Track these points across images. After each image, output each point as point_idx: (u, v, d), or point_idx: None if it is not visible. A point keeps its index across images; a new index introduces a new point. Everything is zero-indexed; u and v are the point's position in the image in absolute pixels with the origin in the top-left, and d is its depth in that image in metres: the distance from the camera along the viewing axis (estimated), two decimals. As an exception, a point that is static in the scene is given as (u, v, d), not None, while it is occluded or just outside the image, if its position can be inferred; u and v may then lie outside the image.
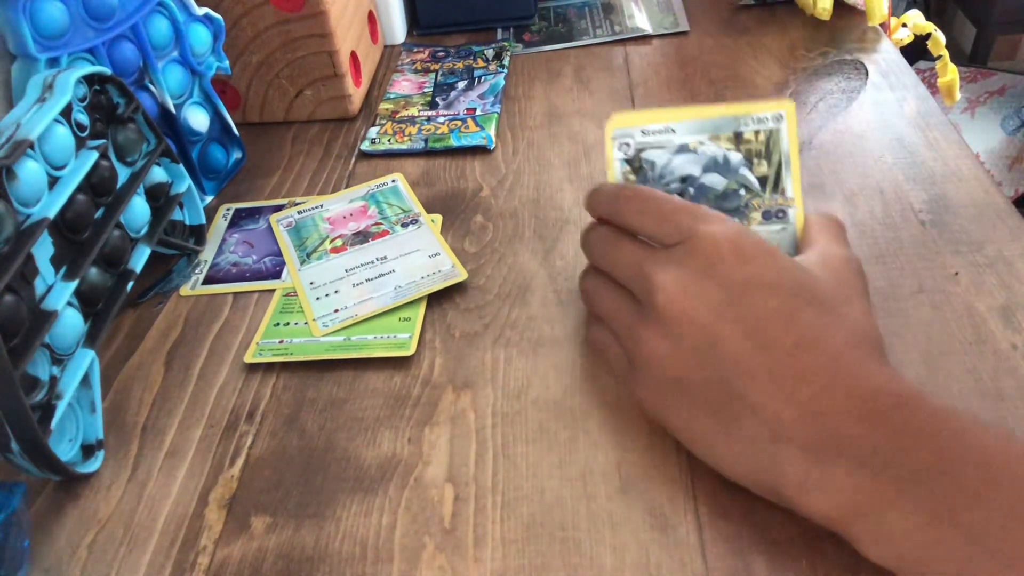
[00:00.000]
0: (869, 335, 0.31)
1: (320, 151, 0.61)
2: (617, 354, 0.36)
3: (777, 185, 0.37)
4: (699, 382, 0.32)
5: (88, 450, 0.39)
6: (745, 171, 0.38)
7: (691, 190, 0.37)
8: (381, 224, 0.51)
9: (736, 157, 0.37)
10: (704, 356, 0.31)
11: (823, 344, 0.30)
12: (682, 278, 0.32)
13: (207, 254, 0.51)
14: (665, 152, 0.38)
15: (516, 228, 0.50)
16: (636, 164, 0.38)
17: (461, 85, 0.66)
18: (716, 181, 0.37)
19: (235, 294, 0.48)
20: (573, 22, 0.75)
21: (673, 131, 0.37)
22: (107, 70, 0.44)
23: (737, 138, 0.37)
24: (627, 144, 0.38)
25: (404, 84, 0.67)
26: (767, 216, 0.37)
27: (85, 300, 0.41)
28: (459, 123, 0.60)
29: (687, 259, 0.32)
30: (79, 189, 0.41)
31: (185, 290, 0.49)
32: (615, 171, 0.38)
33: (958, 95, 0.69)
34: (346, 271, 0.48)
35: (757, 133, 0.37)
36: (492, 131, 0.59)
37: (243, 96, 0.63)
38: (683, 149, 0.37)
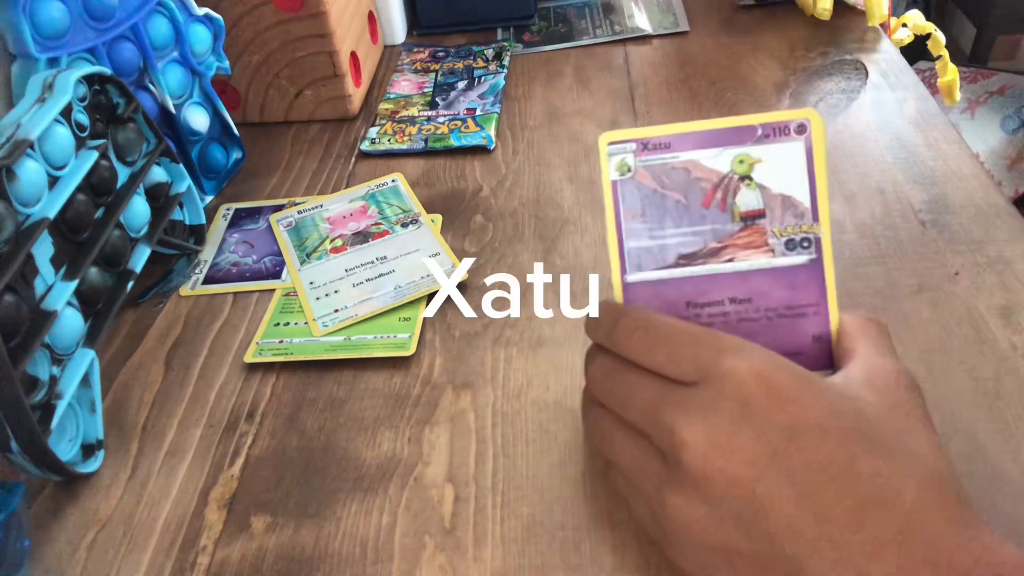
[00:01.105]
0: (943, 477, 0.26)
1: (320, 151, 0.61)
2: (643, 514, 0.31)
3: None
4: (748, 553, 0.27)
5: (88, 450, 0.39)
6: None
7: None
8: (381, 224, 0.51)
9: None
10: (750, 524, 0.26)
11: (891, 500, 0.25)
12: (712, 430, 0.27)
13: (207, 254, 0.51)
14: None
15: (516, 228, 0.50)
16: None
17: (461, 85, 0.66)
18: None
19: (235, 294, 0.48)
20: (573, 22, 0.75)
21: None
22: (107, 70, 0.44)
23: None
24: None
25: (404, 84, 0.68)
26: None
27: (85, 300, 0.41)
28: (459, 123, 0.60)
29: (714, 404, 0.27)
30: (79, 189, 0.41)
31: (185, 290, 0.49)
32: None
33: (958, 95, 0.69)
34: (346, 271, 0.48)
35: None
36: (492, 131, 0.59)
37: (243, 96, 0.63)
38: None
